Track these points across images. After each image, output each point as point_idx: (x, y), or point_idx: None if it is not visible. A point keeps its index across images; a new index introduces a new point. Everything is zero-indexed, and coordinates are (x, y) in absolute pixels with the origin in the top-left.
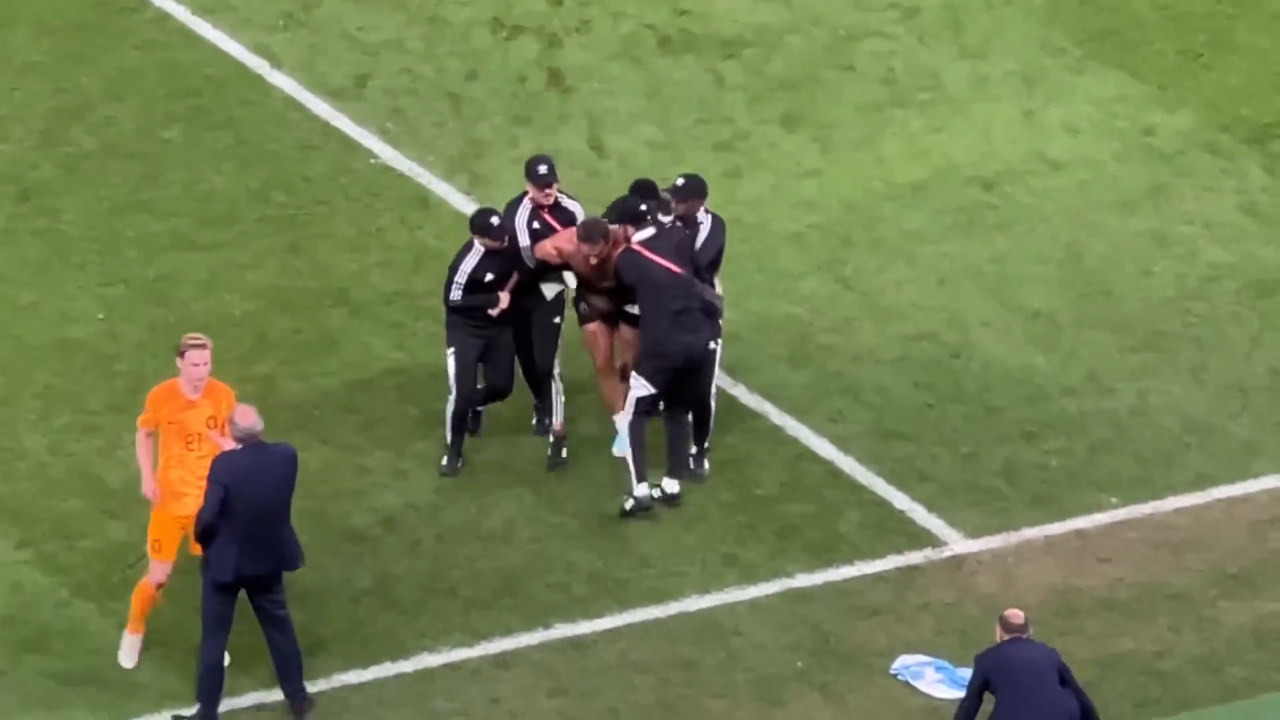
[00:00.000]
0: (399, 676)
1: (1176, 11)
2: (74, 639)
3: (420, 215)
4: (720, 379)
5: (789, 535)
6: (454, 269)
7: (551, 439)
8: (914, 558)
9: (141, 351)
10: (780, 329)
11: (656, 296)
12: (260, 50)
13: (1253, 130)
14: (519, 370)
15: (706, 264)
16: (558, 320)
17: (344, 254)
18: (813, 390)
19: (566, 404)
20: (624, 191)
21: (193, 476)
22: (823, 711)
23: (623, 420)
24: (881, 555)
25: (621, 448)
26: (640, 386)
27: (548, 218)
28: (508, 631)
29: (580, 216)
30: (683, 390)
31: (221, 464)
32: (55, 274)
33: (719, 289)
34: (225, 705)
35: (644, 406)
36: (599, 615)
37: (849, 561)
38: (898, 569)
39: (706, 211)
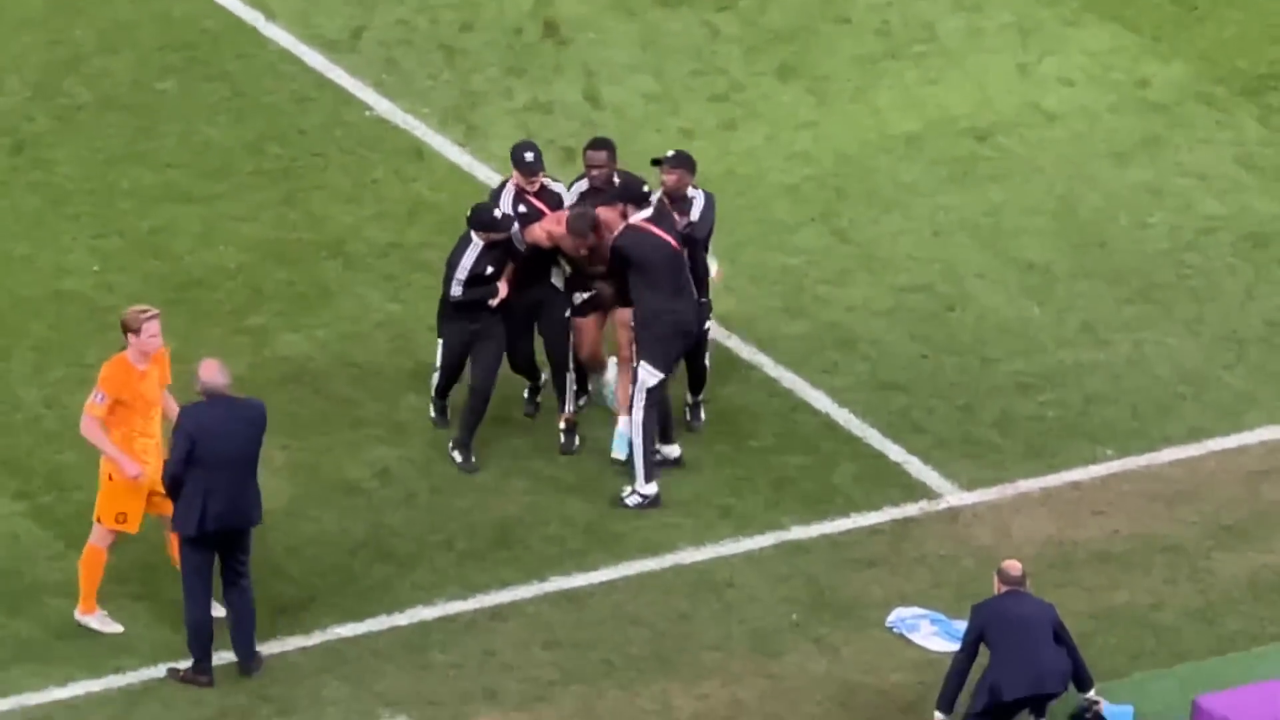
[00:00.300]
0: (394, 629)
1: None
2: (69, 592)
3: (415, 167)
4: (715, 330)
5: (784, 487)
6: (453, 265)
7: (563, 425)
8: (909, 510)
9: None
10: (775, 281)
11: (660, 270)
12: (255, 2)
13: (1248, 82)
14: (514, 372)
15: (704, 236)
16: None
17: (339, 206)
18: (808, 342)
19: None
20: (621, 142)
21: (153, 443)
22: (817, 663)
23: (634, 418)
24: (877, 507)
25: (624, 448)
26: (649, 375)
27: (534, 200)
28: (503, 584)
29: (566, 198)
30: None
31: (188, 416)
32: (50, 226)
33: (713, 267)
34: (218, 658)
35: (655, 398)
36: (594, 568)
37: (844, 514)
38: (893, 521)
39: (695, 187)
